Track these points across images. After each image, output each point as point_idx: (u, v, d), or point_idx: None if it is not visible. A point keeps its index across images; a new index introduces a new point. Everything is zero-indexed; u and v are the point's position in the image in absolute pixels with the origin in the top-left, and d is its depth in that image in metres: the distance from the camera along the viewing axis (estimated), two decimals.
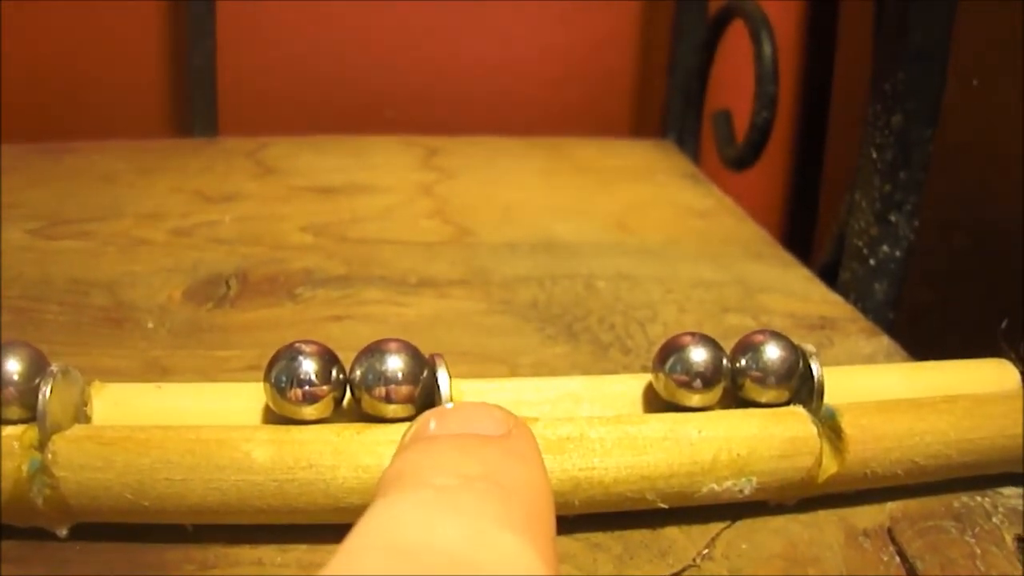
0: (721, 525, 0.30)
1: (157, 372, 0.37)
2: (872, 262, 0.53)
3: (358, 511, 0.25)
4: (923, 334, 0.45)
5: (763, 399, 0.30)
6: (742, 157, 0.69)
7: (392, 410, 0.27)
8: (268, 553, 0.27)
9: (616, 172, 0.70)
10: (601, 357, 0.40)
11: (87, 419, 0.28)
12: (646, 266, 0.51)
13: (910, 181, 0.51)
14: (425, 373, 0.27)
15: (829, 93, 0.86)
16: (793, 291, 0.50)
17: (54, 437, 0.26)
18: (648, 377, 0.31)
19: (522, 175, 0.68)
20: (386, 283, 0.46)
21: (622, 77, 0.85)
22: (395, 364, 0.26)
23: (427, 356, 0.27)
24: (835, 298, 0.50)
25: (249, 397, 0.28)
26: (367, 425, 0.27)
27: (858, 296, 0.53)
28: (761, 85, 0.66)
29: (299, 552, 0.27)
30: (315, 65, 0.80)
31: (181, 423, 0.27)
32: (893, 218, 0.52)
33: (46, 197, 0.57)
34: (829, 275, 0.54)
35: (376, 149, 0.71)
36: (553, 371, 0.39)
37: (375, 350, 0.27)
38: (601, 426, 0.28)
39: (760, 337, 0.31)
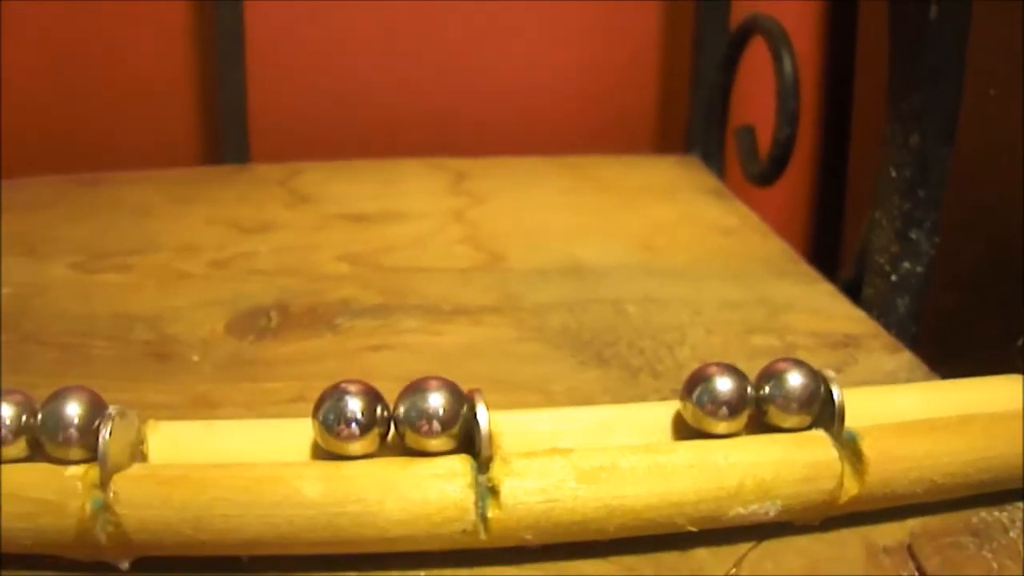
0: (747, 546, 0.31)
1: (205, 406, 0.38)
2: (894, 278, 0.53)
3: (404, 541, 0.27)
4: (945, 340, 0.46)
5: (786, 424, 0.32)
6: (766, 173, 0.70)
7: (434, 444, 0.28)
8: None
9: (641, 190, 0.71)
10: (631, 383, 0.41)
11: (143, 457, 0.29)
12: (673, 287, 0.52)
13: (929, 199, 0.52)
14: (465, 408, 0.28)
15: (850, 107, 0.86)
16: (817, 309, 0.51)
17: (115, 477, 0.27)
18: (676, 404, 0.32)
19: (548, 196, 0.69)
20: (421, 311, 0.47)
21: (645, 94, 0.86)
22: (436, 402, 0.28)
23: (466, 392, 0.29)
24: (859, 314, 0.50)
25: (296, 433, 0.30)
26: (411, 460, 0.28)
27: (881, 311, 0.53)
28: (782, 101, 0.66)
29: None
30: (342, 90, 0.81)
31: (232, 459, 0.29)
32: (914, 235, 0.52)
33: (84, 231, 0.58)
34: (852, 291, 0.55)
35: (405, 173, 0.72)
36: (586, 397, 0.40)
37: (417, 388, 0.28)
38: (632, 455, 0.29)
39: (783, 365, 0.32)
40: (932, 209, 0.52)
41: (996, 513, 0.33)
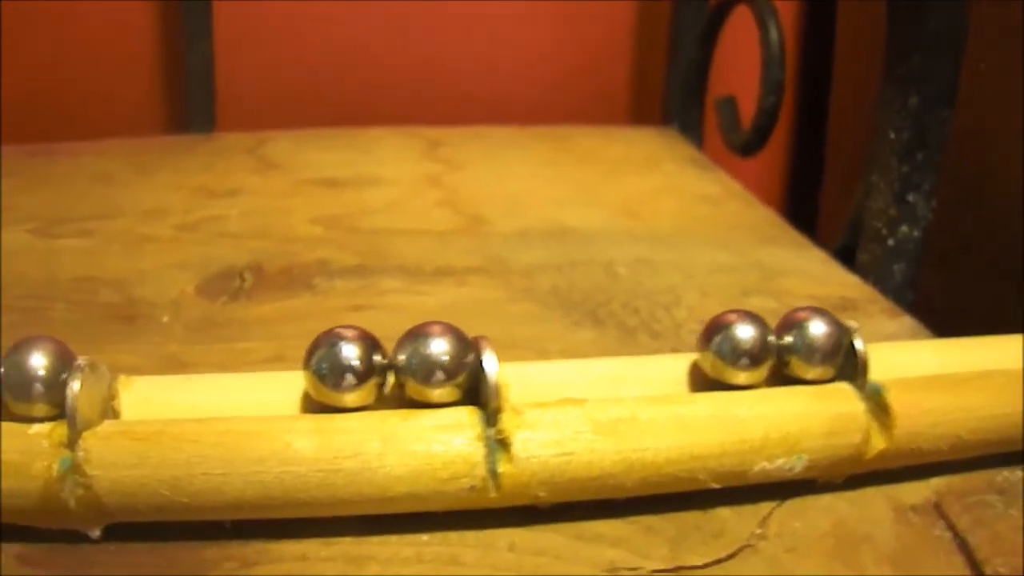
0: (771, 504, 0.29)
1: (176, 367, 0.36)
2: (891, 243, 0.52)
3: (406, 500, 0.24)
4: (933, 320, 0.44)
5: (809, 376, 0.30)
6: (748, 143, 0.68)
7: (438, 395, 0.26)
8: (312, 547, 0.26)
9: (621, 161, 0.69)
10: (629, 342, 0.39)
11: (116, 415, 0.27)
12: (662, 252, 0.50)
13: (927, 162, 0.51)
14: (470, 356, 0.26)
15: (829, 77, 0.85)
16: (811, 274, 0.49)
17: (85, 434, 0.25)
18: (691, 356, 0.30)
19: (527, 165, 0.67)
20: (403, 272, 0.45)
21: (622, 65, 0.84)
22: (440, 348, 0.25)
23: (471, 339, 0.26)
24: (854, 280, 0.49)
25: (283, 386, 0.27)
26: (412, 411, 0.26)
27: (877, 277, 0.52)
28: (768, 70, 0.64)
29: (345, 545, 0.26)
30: (312, 61, 0.79)
31: (214, 416, 0.26)
32: (911, 198, 0.51)
33: (43, 198, 0.55)
34: (844, 258, 0.53)
35: (377, 142, 0.70)
36: (583, 356, 0.37)
37: (419, 334, 0.26)
38: (651, 406, 0.27)
39: (804, 314, 0.30)
40: (930, 172, 0.51)
41: (1019, 472, 0.31)
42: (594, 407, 0.26)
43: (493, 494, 0.25)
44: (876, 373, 0.30)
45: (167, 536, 0.26)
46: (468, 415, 0.26)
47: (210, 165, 0.64)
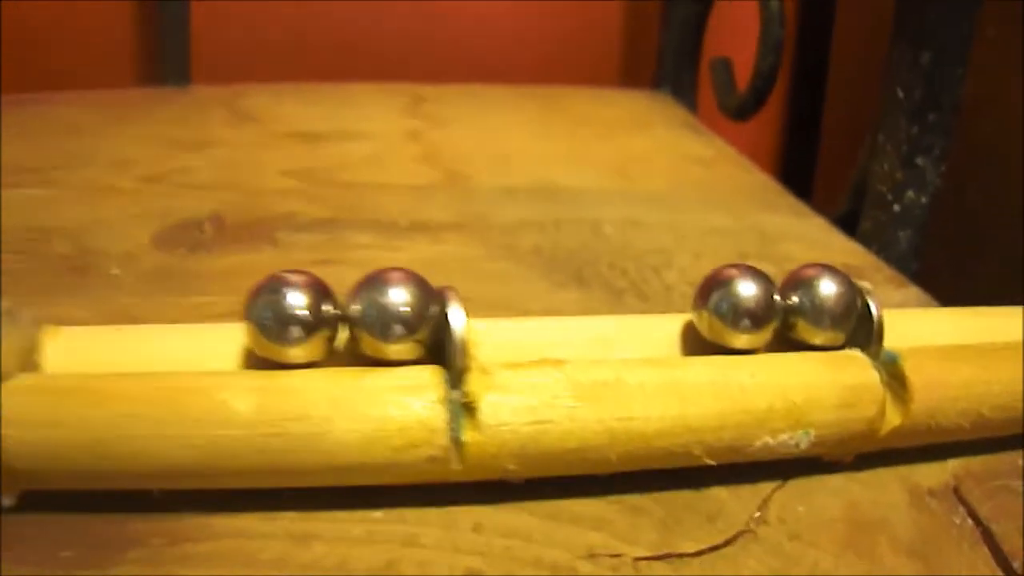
0: (772, 485, 0.26)
1: (124, 322, 0.32)
2: (896, 208, 0.49)
3: (357, 470, 0.21)
4: (937, 293, 0.41)
5: (816, 341, 0.27)
6: (743, 105, 0.65)
7: (396, 351, 0.23)
8: (251, 522, 0.23)
9: (612, 122, 0.66)
10: (616, 304, 0.37)
11: (36, 367, 0.24)
12: (653, 213, 0.47)
13: (939, 123, 0.48)
14: (434, 308, 0.23)
15: (829, 37, 0.82)
16: (812, 240, 0.46)
17: None
18: (683, 317, 0.27)
19: (515, 124, 0.64)
20: (375, 227, 0.42)
21: (614, 26, 0.82)
22: (400, 297, 0.22)
23: (437, 289, 0.23)
24: (856, 247, 0.46)
25: (226, 340, 0.24)
26: (367, 369, 0.23)
27: (881, 245, 0.49)
28: (767, 28, 0.62)
29: (287, 520, 0.23)
30: (293, 14, 0.76)
31: (147, 370, 0.23)
32: (920, 162, 0.48)
33: (6, 148, 0.52)
34: (845, 227, 0.51)
35: (359, 97, 0.67)
36: None
37: (376, 280, 0.23)
38: (641, 369, 0.24)
39: (813, 271, 0.27)
40: (941, 135, 0.48)
41: None
42: (575, 369, 0.23)
43: (456, 466, 0.22)
44: (890, 341, 0.27)
45: (88, 507, 0.23)
46: (430, 375, 0.23)
47: (183, 117, 0.61)
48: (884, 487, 0.26)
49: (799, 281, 0.27)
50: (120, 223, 0.42)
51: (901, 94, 0.48)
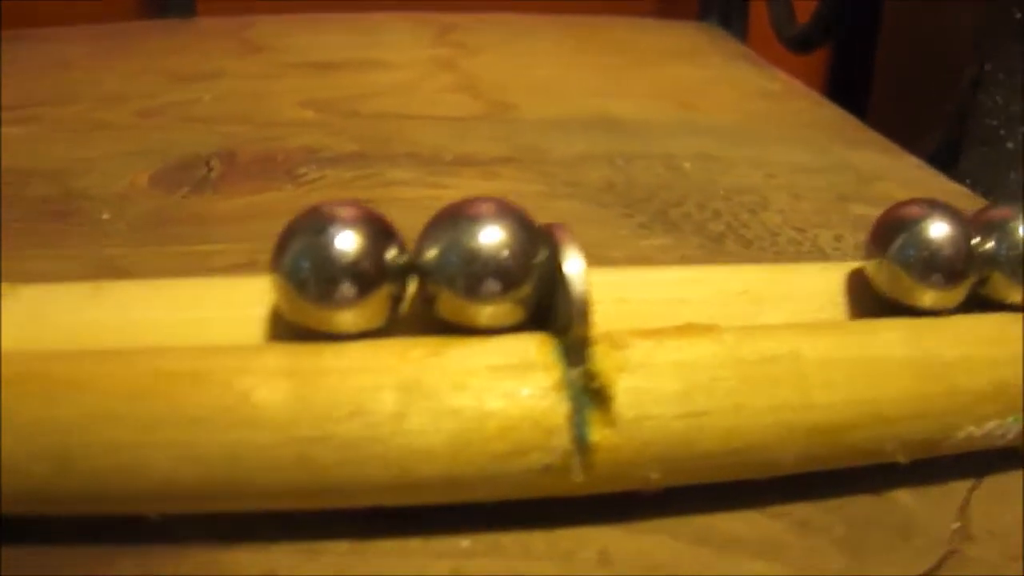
0: (964, 486, 0.20)
1: (110, 276, 0.27)
2: (1010, 145, 0.44)
3: (438, 486, 0.15)
4: None
5: (1015, 299, 0.20)
6: (808, 37, 0.59)
7: (489, 314, 0.16)
8: (284, 558, 0.16)
9: (660, 52, 0.60)
10: (716, 251, 0.30)
11: None
12: (730, 148, 0.41)
13: None
14: (541, 254, 0.16)
15: None
16: (910, 179, 0.40)
17: None
18: (845, 267, 0.21)
19: (555, 52, 0.57)
20: (414, 161, 0.36)
21: None
22: (495, 237, 0.15)
23: (541, 227, 0.16)
24: (960, 188, 0.40)
25: (245, 300, 0.17)
26: (448, 340, 0.16)
27: (987, 186, 0.44)
28: None
29: (336, 555, 0.16)
30: None
31: (134, 345, 0.16)
32: None
33: None
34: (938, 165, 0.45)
35: (380, 26, 0.60)
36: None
37: (460, 215, 0.16)
38: (818, 339, 0.17)
39: (1006, 212, 0.20)
40: None
41: None
42: (735, 339, 0.17)
43: (579, 477, 0.16)
44: None
45: (58, 537, 0.16)
46: (538, 348, 0.16)
47: (184, 48, 0.55)
48: None
49: (991, 223, 0.20)
50: (112, 161, 0.36)
51: (1018, 14, 0.42)
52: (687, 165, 0.38)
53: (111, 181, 0.34)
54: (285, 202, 0.32)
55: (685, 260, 0.29)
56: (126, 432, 0.15)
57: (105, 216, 0.31)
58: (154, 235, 0.30)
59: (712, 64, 0.58)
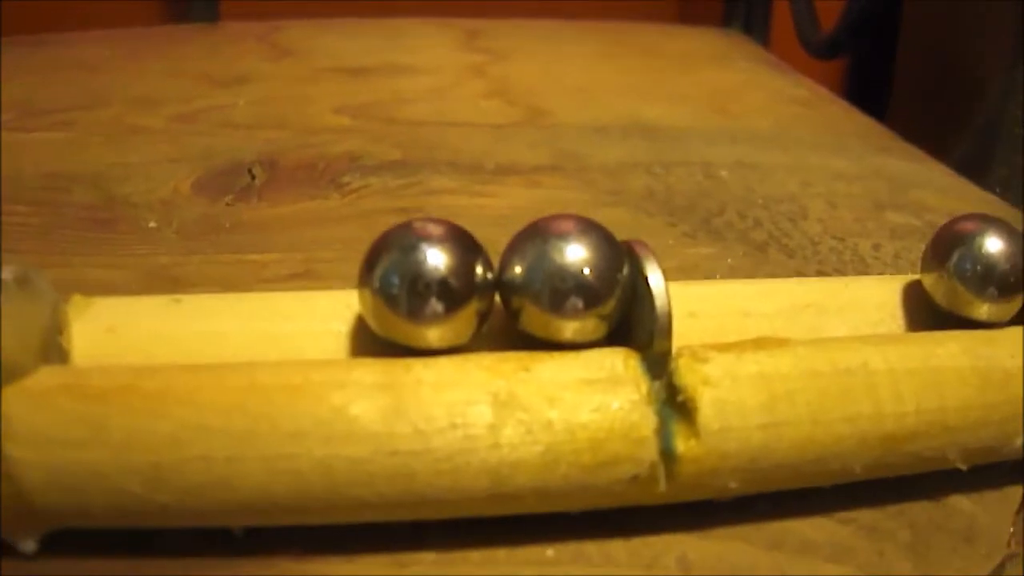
0: (1018, 490, 0.20)
1: (165, 285, 0.27)
2: None
3: (529, 497, 0.15)
4: None
5: None
6: (834, 42, 0.59)
7: (574, 329, 0.16)
8: (377, 569, 0.16)
9: (688, 57, 0.60)
10: (761, 260, 0.30)
11: (63, 357, 0.17)
12: (766, 154, 0.41)
13: None
14: (624, 270, 0.16)
15: None
16: (943, 187, 0.40)
17: (6, 390, 0.15)
18: (899, 280, 0.21)
19: (582, 57, 0.57)
20: (456, 169, 0.36)
21: None
22: (580, 254, 0.16)
23: (623, 243, 0.17)
24: (992, 198, 0.40)
25: (329, 314, 0.18)
26: (536, 355, 0.16)
27: (1019, 197, 0.43)
28: None
29: (426, 564, 0.16)
30: None
31: (217, 360, 0.17)
32: None
33: (20, 88, 0.46)
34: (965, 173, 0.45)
35: (407, 31, 0.60)
36: (708, 276, 0.29)
37: (545, 232, 0.16)
38: (886, 349, 0.18)
39: None
40: None
41: None
42: (809, 351, 0.17)
43: (663, 487, 0.16)
44: None
45: (140, 550, 0.16)
46: (624, 362, 0.16)
47: (214, 52, 0.55)
48: None
49: None
50: (152, 167, 0.36)
51: None
52: (724, 173, 0.38)
53: (153, 187, 0.34)
54: (334, 210, 0.32)
55: (733, 270, 0.29)
56: (221, 446, 0.15)
57: (152, 224, 0.31)
58: (203, 243, 0.30)
59: (741, 69, 0.58)
